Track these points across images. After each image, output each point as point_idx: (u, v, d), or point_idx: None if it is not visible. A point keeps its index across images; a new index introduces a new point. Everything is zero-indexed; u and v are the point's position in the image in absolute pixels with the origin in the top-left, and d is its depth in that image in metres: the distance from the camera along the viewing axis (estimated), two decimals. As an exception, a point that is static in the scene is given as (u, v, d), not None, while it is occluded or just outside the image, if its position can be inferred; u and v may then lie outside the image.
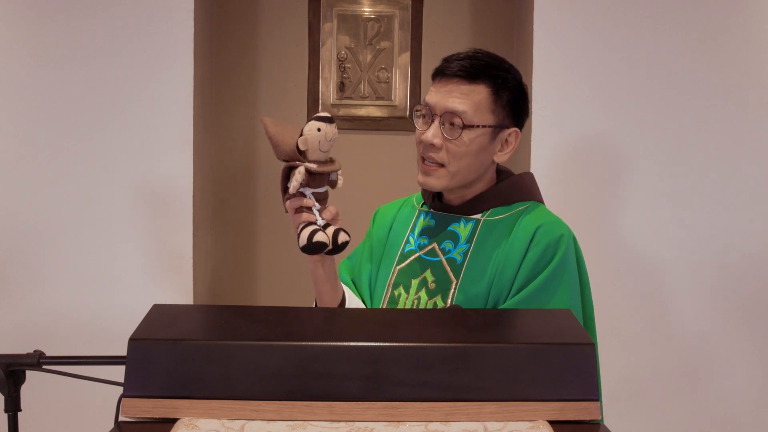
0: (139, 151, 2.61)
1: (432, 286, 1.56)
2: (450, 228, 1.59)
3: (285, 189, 1.40)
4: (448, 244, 1.58)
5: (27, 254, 2.61)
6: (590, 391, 1.04)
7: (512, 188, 1.61)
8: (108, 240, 2.62)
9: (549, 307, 1.44)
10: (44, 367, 1.18)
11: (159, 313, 1.16)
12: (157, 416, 1.03)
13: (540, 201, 1.63)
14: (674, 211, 2.62)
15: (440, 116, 1.52)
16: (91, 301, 2.62)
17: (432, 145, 1.52)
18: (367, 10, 3.52)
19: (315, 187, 1.39)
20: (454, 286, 1.54)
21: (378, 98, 3.55)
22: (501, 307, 1.49)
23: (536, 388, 1.04)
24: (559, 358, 1.05)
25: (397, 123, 3.56)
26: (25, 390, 1.21)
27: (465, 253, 1.55)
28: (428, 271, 1.58)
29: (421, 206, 1.68)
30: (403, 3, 3.52)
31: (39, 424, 2.50)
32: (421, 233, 1.63)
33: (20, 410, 1.20)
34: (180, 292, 2.63)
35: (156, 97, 2.60)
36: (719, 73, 2.59)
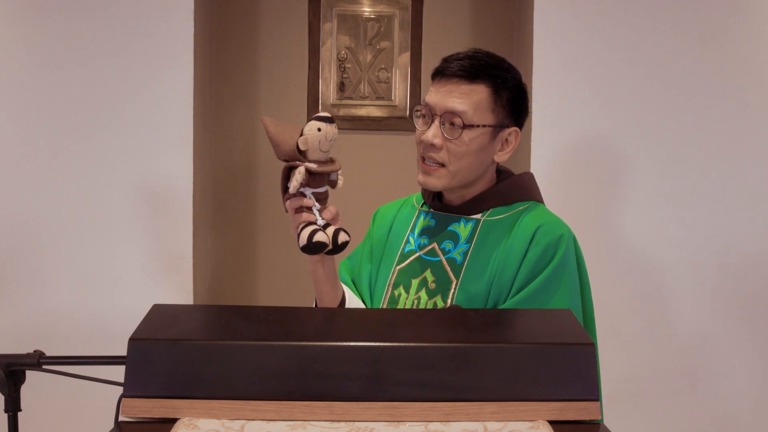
0: (139, 151, 2.61)
1: (432, 286, 1.56)
2: (450, 228, 1.59)
3: (285, 189, 1.40)
4: (448, 244, 1.58)
5: (27, 254, 2.61)
6: (590, 391, 1.04)
7: (512, 188, 1.61)
8: (108, 240, 2.62)
9: (549, 307, 1.44)
10: (44, 367, 1.18)
11: (159, 313, 1.16)
12: (157, 416, 1.03)
13: (540, 201, 1.63)
14: (674, 211, 2.62)
15: (440, 116, 1.52)
16: (91, 301, 2.62)
17: (432, 145, 1.53)
18: (367, 10, 3.52)
19: (315, 187, 1.39)
20: (454, 286, 1.54)
21: (378, 98, 3.55)
22: (501, 307, 1.49)
23: (536, 388, 1.04)
24: (559, 358, 1.05)
25: (397, 123, 3.56)
26: (25, 390, 1.21)
27: (465, 253, 1.55)
28: (428, 271, 1.58)
29: (421, 206, 1.68)
30: (403, 3, 3.52)
31: (39, 424, 2.50)
32: (421, 233, 1.63)
33: (20, 410, 1.20)
34: (180, 292, 2.63)
35: (156, 97, 2.60)
36: (719, 73, 2.59)
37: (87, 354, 1.30)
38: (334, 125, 1.36)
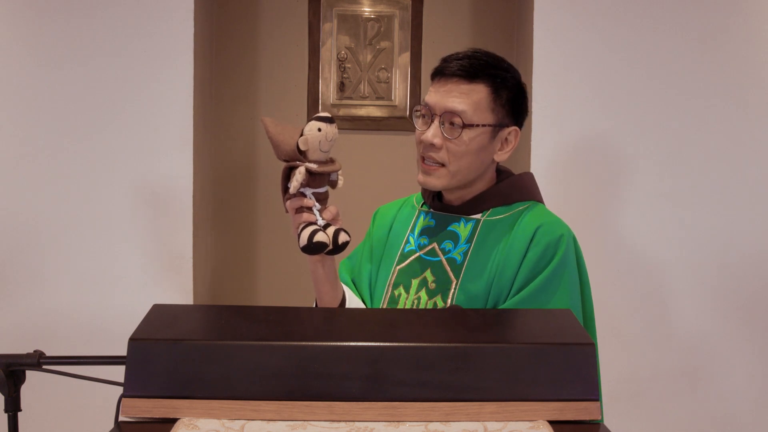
0: (139, 151, 2.61)
1: (432, 286, 1.56)
2: (450, 228, 1.59)
3: (285, 189, 1.39)
4: (448, 244, 1.58)
5: (27, 254, 2.61)
6: (590, 391, 1.04)
7: (512, 188, 1.61)
8: (108, 240, 2.62)
9: (549, 307, 1.44)
10: (44, 367, 1.18)
11: (159, 313, 1.16)
12: (157, 416, 1.03)
13: (540, 201, 1.63)
14: (674, 211, 2.62)
15: (440, 116, 1.52)
16: (91, 301, 2.62)
17: (432, 145, 1.53)
18: (367, 10, 3.52)
19: (315, 187, 1.38)
20: (454, 286, 1.54)
21: (378, 98, 3.55)
22: (501, 307, 1.49)
23: (536, 388, 1.04)
24: (559, 358, 1.05)
25: (397, 123, 3.56)
26: (25, 390, 1.21)
27: (465, 253, 1.55)
28: (428, 271, 1.58)
29: (421, 206, 1.68)
30: (403, 3, 3.52)
31: (39, 424, 2.50)
32: (421, 233, 1.63)
33: (20, 410, 1.20)
34: (180, 292, 2.63)
35: (156, 97, 2.60)
36: (719, 73, 2.59)
37: (87, 354, 1.30)
38: (334, 125, 1.36)
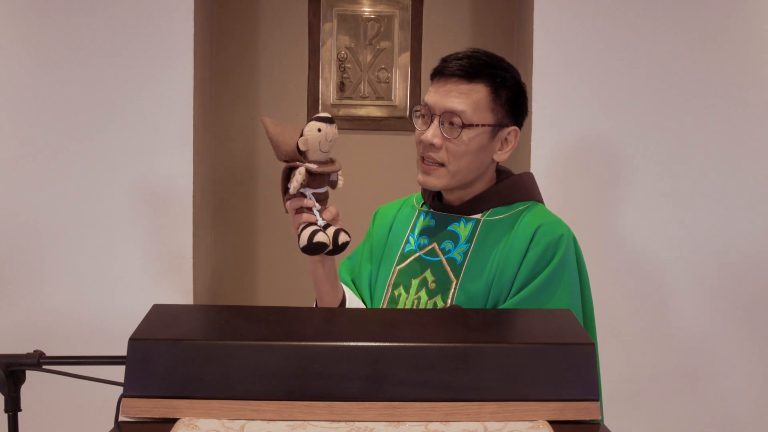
0: (139, 151, 2.61)
1: (432, 286, 1.56)
2: (450, 228, 1.59)
3: (285, 189, 1.39)
4: (448, 244, 1.58)
5: (27, 254, 2.61)
6: (590, 391, 1.04)
7: (512, 188, 1.61)
8: (108, 240, 2.62)
9: (549, 307, 1.44)
10: (44, 367, 1.18)
11: (159, 313, 1.16)
12: (157, 416, 1.03)
13: (540, 201, 1.63)
14: (674, 211, 2.62)
15: (439, 116, 1.52)
16: (91, 301, 2.62)
17: (432, 145, 1.53)
18: (367, 10, 3.52)
19: (315, 188, 1.38)
20: (454, 286, 1.54)
21: (378, 98, 3.55)
22: (501, 306, 1.49)
23: (536, 388, 1.04)
24: (559, 358, 1.05)
25: (397, 123, 3.56)
26: (25, 390, 1.21)
27: (465, 253, 1.55)
28: (428, 271, 1.58)
29: (421, 206, 1.68)
30: (403, 3, 3.52)
31: (39, 424, 2.50)
32: (421, 233, 1.63)
33: (20, 410, 1.20)
34: (180, 292, 2.63)
35: (156, 97, 2.60)
36: (719, 73, 2.59)
37: (87, 354, 1.30)
38: (334, 126, 1.36)
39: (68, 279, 2.62)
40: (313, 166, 1.35)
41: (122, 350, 1.06)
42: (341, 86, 3.53)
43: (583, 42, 2.59)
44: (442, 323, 1.24)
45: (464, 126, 1.50)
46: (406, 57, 3.53)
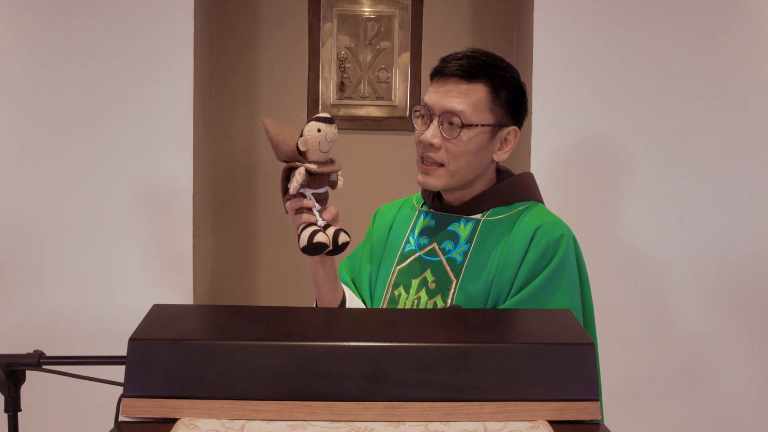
0: (139, 151, 2.61)
1: (432, 286, 1.56)
2: (450, 228, 1.59)
3: (285, 190, 1.39)
4: (448, 244, 1.58)
5: (27, 254, 2.61)
6: (590, 391, 1.04)
7: (512, 188, 1.61)
8: (108, 240, 2.62)
9: (549, 307, 1.44)
10: (44, 367, 1.18)
11: (159, 313, 1.16)
12: (157, 416, 1.03)
13: (540, 201, 1.63)
14: (674, 211, 2.62)
15: (439, 116, 1.52)
16: (91, 301, 2.62)
17: (431, 145, 1.53)
18: (367, 10, 3.52)
19: (315, 188, 1.38)
20: (454, 286, 1.54)
21: (378, 98, 3.55)
22: (501, 307, 1.49)
23: (536, 388, 1.04)
24: (559, 358, 1.05)
25: (397, 123, 3.56)
26: (25, 390, 1.21)
27: (465, 253, 1.55)
28: (428, 271, 1.58)
29: (421, 206, 1.68)
30: (403, 3, 3.52)
31: (39, 424, 2.50)
32: (421, 233, 1.63)
33: (20, 410, 1.20)
34: (180, 292, 2.63)
35: (156, 97, 2.60)
36: (719, 73, 2.59)
37: (87, 354, 1.30)
38: (334, 126, 1.35)
39: (68, 279, 2.62)
40: (312, 167, 1.35)
41: (122, 350, 1.06)
42: (341, 86, 3.53)
43: (583, 42, 2.59)
44: (442, 323, 1.24)
45: (464, 126, 1.50)
46: (406, 57, 3.53)
